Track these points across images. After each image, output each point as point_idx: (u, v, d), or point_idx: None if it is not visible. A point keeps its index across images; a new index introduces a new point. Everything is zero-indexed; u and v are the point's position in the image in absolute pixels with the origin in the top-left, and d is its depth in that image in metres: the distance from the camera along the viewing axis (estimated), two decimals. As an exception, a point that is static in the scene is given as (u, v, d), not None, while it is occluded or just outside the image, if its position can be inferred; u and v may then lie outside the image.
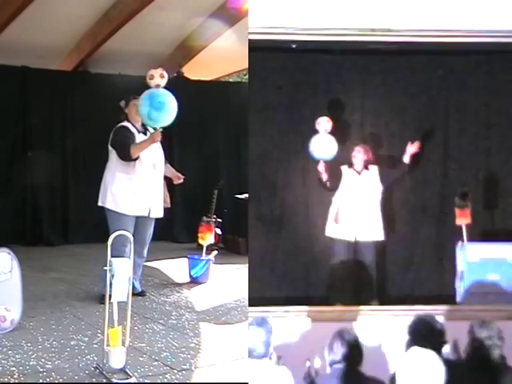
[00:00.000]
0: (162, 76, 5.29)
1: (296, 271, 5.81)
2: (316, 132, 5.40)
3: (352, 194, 5.55)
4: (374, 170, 5.61)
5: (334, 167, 5.56)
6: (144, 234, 5.92)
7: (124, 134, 5.74)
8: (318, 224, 5.93)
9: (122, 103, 5.92)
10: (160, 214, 6.01)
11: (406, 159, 5.47)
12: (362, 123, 5.95)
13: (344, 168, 5.62)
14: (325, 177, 5.47)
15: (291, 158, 5.94)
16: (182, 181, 6.26)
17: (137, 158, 5.68)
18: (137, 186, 5.75)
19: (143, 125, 5.84)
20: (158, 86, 5.27)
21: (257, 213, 5.82)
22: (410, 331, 3.84)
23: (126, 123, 5.83)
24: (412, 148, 5.44)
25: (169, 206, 6.17)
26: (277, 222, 5.92)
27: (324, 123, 5.40)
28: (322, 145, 5.40)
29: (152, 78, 5.26)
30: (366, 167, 5.61)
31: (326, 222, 5.81)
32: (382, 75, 5.72)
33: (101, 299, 5.42)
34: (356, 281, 5.54)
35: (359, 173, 5.59)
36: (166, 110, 5.24)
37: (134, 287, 5.64)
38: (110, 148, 5.84)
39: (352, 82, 5.79)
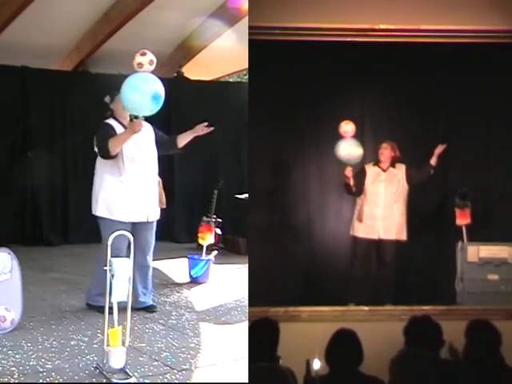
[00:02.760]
0: (143, 54, 4.87)
1: (296, 271, 5.81)
2: (340, 137, 5.42)
3: (375, 192, 5.51)
4: (400, 168, 5.55)
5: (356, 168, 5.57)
6: (143, 240, 5.40)
7: (104, 131, 5.26)
8: (319, 225, 5.94)
9: (107, 99, 5.46)
10: (157, 216, 5.55)
11: (433, 161, 5.44)
12: (362, 123, 5.96)
13: (368, 166, 5.59)
14: (352, 181, 5.45)
15: (292, 160, 5.94)
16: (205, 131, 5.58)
17: (116, 156, 5.20)
18: (129, 189, 5.30)
19: (131, 121, 5.24)
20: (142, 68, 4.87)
21: (258, 215, 5.82)
22: (407, 332, 3.85)
23: (110, 120, 5.38)
24: (440, 149, 5.42)
25: (164, 206, 5.69)
26: (277, 223, 5.92)
27: (347, 127, 5.41)
28: (349, 149, 5.40)
29: (141, 66, 4.85)
30: (392, 165, 5.55)
31: (327, 223, 5.83)
32: (383, 76, 5.71)
33: (89, 307, 5.36)
34: (376, 280, 5.56)
35: (384, 170, 5.54)
36: (146, 93, 4.73)
37: (141, 301, 5.46)
38: (96, 150, 5.36)
39: (353, 81, 5.79)
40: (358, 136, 5.79)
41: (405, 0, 4.86)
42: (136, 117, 4.97)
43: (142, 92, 4.73)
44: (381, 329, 4.54)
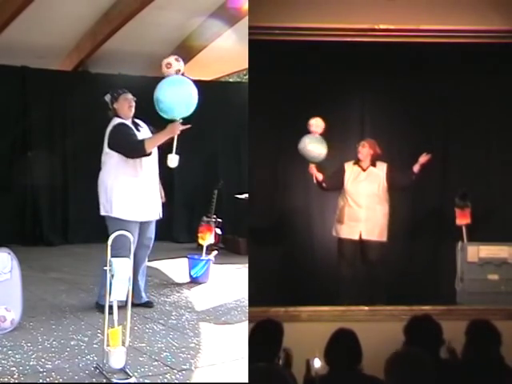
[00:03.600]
0: (177, 60, 5.16)
1: (296, 271, 5.82)
2: (307, 133, 5.35)
3: (356, 192, 5.44)
4: (381, 167, 5.48)
5: (335, 166, 5.53)
6: (148, 237, 5.53)
7: (127, 131, 5.32)
8: (318, 225, 5.94)
9: (108, 98, 5.45)
10: (161, 214, 5.65)
11: (416, 168, 5.37)
12: (362, 123, 5.97)
13: (348, 165, 5.51)
14: (320, 176, 5.40)
15: (291, 160, 5.94)
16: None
17: (149, 154, 5.27)
18: (144, 190, 5.37)
19: (133, 121, 5.49)
20: (178, 71, 5.13)
21: (257, 214, 5.82)
22: (407, 331, 3.85)
23: (121, 120, 5.37)
24: (424, 159, 5.35)
25: (164, 200, 5.70)
26: (277, 223, 5.93)
27: (315, 124, 5.34)
28: (311, 146, 5.33)
29: (170, 66, 5.09)
30: (373, 163, 5.48)
31: (326, 223, 5.82)
32: (383, 76, 5.72)
33: (97, 307, 5.32)
34: (363, 281, 5.53)
35: (364, 169, 5.47)
36: (193, 97, 5.07)
37: (142, 297, 5.57)
38: (107, 151, 5.35)
39: (353, 82, 5.79)
40: (358, 136, 5.81)
41: (405, 0, 4.86)
42: (173, 120, 5.13)
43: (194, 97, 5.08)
44: (381, 329, 4.54)
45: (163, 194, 5.75)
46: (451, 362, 3.75)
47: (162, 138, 5.25)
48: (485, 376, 3.42)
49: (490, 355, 3.50)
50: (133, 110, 5.43)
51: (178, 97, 5.04)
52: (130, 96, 5.43)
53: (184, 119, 5.20)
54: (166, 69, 5.12)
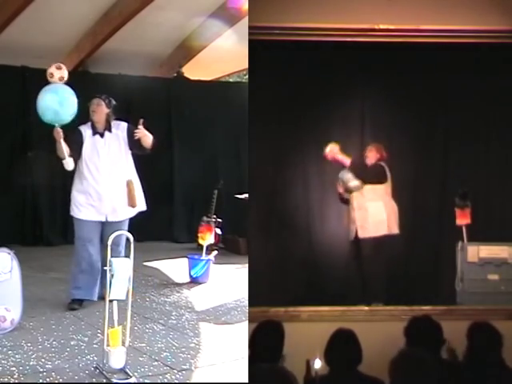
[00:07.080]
0: (58, 68, 5.38)
1: (296, 271, 5.81)
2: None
3: (357, 192, 5.50)
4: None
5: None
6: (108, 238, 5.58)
7: (69, 137, 5.62)
8: (318, 225, 5.94)
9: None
10: (121, 217, 5.65)
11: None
12: (362, 123, 5.96)
13: None
14: (346, 195, 5.53)
15: (292, 160, 5.94)
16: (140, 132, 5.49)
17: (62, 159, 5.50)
18: (87, 190, 5.59)
19: (108, 124, 5.69)
20: (61, 78, 5.36)
21: (257, 214, 5.82)
22: (408, 332, 3.85)
23: (83, 125, 5.72)
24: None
25: (135, 206, 5.66)
26: (277, 223, 5.93)
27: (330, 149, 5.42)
28: (349, 181, 5.46)
29: (52, 76, 5.33)
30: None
31: (326, 223, 5.83)
32: (383, 76, 5.71)
33: (70, 304, 5.47)
34: (365, 279, 5.54)
35: None
36: (70, 105, 5.27)
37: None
38: None
39: (353, 81, 5.79)
40: (359, 136, 5.81)
41: (405, 0, 4.86)
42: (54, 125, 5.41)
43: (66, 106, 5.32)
44: (381, 329, 4.54)
45: (135, 201, 5.66)
46: (452, 363, 3.75)
47: (57, 144, 5.49)
48: (486, 377, 3.42)
49: (491, 357, 3.50)
50: (95, 114, 5.67)
51: (45, 103, 5.34)
52: (94, 100, 5.68)
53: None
54: (50, 78, 5.38)
